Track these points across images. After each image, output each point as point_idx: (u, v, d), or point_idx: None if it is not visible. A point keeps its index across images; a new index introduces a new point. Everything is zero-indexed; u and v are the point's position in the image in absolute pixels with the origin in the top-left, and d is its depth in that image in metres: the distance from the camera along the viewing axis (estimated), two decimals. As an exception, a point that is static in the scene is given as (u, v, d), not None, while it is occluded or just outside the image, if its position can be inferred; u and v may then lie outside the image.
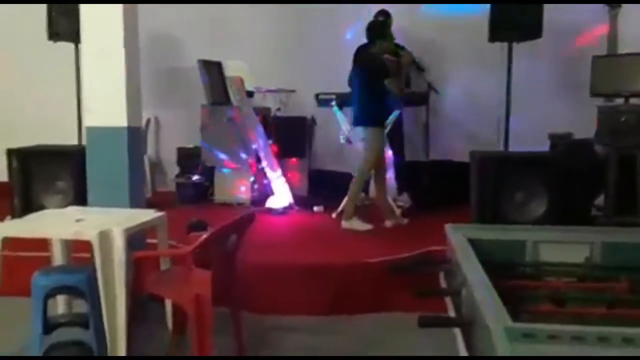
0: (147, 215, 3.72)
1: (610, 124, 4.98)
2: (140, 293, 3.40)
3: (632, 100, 5.06)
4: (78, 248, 3.66)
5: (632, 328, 2.06)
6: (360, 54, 5.74)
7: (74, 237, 3.35)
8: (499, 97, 5.72)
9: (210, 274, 3.12)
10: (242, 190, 6.58)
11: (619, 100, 5.16)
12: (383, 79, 5.41)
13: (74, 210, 3.89)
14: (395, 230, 5.48)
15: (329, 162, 7.09)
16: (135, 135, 4.37)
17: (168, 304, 3.69)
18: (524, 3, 5.35)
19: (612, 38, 6.70)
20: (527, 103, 6.22)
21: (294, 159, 6.92)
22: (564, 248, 3.03)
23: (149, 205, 4.48)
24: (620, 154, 5.01)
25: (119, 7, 4.30)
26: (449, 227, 3.29)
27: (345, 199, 5.61)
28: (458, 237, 3.05)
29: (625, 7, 6.50)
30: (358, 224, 5.44)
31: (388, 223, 5.55)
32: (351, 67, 5.77)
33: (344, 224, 5.47)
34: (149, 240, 4.04)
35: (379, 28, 5.62)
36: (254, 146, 6.42)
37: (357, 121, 5.58)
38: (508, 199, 4.92)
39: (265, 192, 6.50)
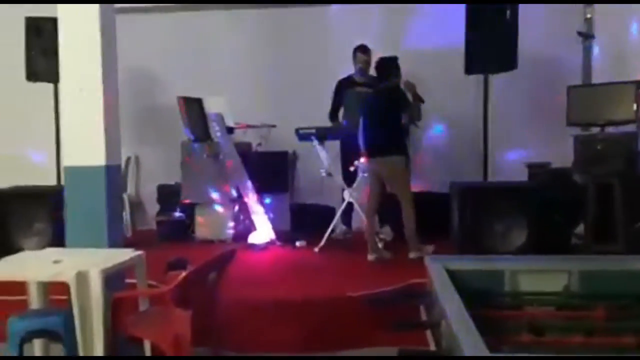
0: (126, 254, 3.68)
1: (586, 152, 5.05)
2: (118, 334, 3.35)
3: (608, 129, 5.13)
4: (55, 290, 3.60)
5: (610, 356, 2.07)
6: (381, 88, 5.78)
7: (51, 279, 3.32)
8: (477, 129, 5.79)
9: (190, 314, 3.08)
10: (223, 227, 6.54)
11: (595, 129, 5.23)
12: (405, 111, 5.62)
13: (51, 252, 3.85)
14: (376, 264, 5.46)
15: (311, 196, 7.09)
16: (113, 174, 4.36)
17: (147, 345, 3.63)
18: (497, 31, 5.44)
19: (586, 68, 6.84)
20: (505, 134, 6.30)
21: (275, 194, 6.91)
22: (542, 277, 3.03)
23: (129, 244, 4.45)
24: (597, 182, 5.06)
25: (97, 46, 4.34)
26: (428, 259, 3.29)
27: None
28: (437, 269, 3.04)
29: (598, 38, 6.65)
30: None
31: (371, 257, 5.53)
32: (365, 102, 5.82)
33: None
34: (128, 280, 4.00)
35: (392, 65, 5.69)
36: (235, 182, 6.41)
37: (384, 152, 5.57)
38: (488, 229, 4.95)
39: (247, 228, 6.47)
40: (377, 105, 5.68)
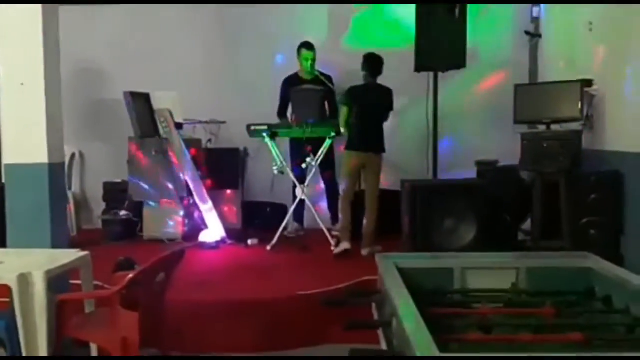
0: (70, 255, 3.58)
1: (533, 150, 5.14)
2: (63, 338, 3.26)
3: (554, 127, 5.24)
4: (-4, 293, 3.47)
5: (558, 353, 2.10)
6: (375, 88, 5.75)
7: (-10, 281, 3.19)
8: (427, 127, 5.84)
9: (138, 316, 3.02)
10: (173, 225, 6.42)
11: (542, 127, 5.34)
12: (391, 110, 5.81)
13: (-9, 253, 3.71)
14: (329, 261, 5.46)
15: (263, 194, 7.03)
16: (56, 172, 4.23)
17: (94, 348, 3.54)
18: (447, 30, 5.51)
19: (533, 67, 6.97)
20: (454, 132, 6.37)
21: (226, 191, 6.84)
22: (491, 274, 3.07)
23: (74, 244, 4.34)
24: (544, 179, 5.16)
25: (39, 40, 4.19)
26: (379, 257, 3.29)
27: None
28: (388, 267, 3.05)
29: (544, 38, 6.78)
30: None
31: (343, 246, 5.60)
32: (363, 97, 5.77)
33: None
34: (73, 281, 3.88)
35: (382, 63, 5.71)
36: (184, 179, 6.31)
37: (375, 148, 5.73)
38: (438, 226, 4.99)
39: (197, 226, 6.37)
40: (371, 101, 5.70)
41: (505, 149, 5.88)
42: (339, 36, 7.14)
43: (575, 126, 5.24)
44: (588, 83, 5.23)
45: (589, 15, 5.56)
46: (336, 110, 6.33)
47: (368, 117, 5.71)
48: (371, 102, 5.73)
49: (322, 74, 6.37)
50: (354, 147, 5.74)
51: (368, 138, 5.71)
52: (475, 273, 3.08)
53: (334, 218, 6.31)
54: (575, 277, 3.00)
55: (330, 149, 6.20)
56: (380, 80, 5.71)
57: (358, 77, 5.74)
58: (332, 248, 5.64)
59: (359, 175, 5.85)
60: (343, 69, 6.76)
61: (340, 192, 5.83)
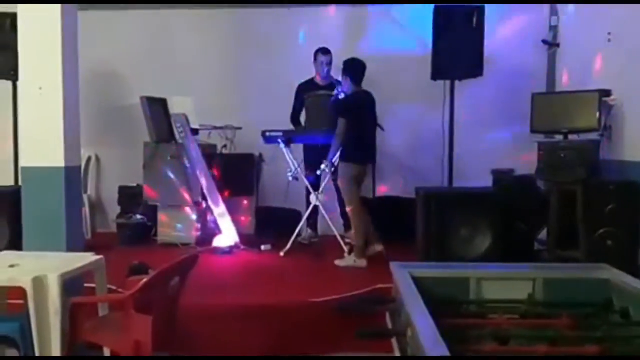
0: (85, 259, 3.59)
1: (550, 160, 5.10)
2: (77, 341, 3.27)
3: (571, 137, 5.19)
4: (12, 295, 3.49)
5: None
6: (366, 96, 5.73)
7: (6, 284, 3.22)
8: (444, 135, 5.81)
9: (151, 320, 3.01)
10: (187, 230, 6.43)
11: (559, 137, 5.29)
12: None
13: (8, 255, 3.75)
14: (343, 268, 5.44)
15: (277, 200, 7.03)
16: (73, 176, 4.26)
17: (107, 352, 3.54)
18: (464, 38, 5.48)
19: (551, 76, 6.93)
20: (470, 140, 6.33)
21: (241, 197, 6.84)
22: (507, 285, 3.03)
23: (88, 247, 4.35)
24: (561, 189, 5.11)
25: (58, 45, 4.23)
26: (394, 266, 3.27)
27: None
28: (403, 276, 3.03)
29: (563, 47, 6.74)
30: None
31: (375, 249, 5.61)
32: (360, 107, 5.72)
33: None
34: (87, 285, 3.90)
35: (365, 69, 5.69)
36: (198, 184, 6.32)
37: (373, 159, 5.79)
38: (453, 235, 4.95)
39: (211, 231, 6.38)
40: (367, 110, 5.68)
41: (522, 158, 5.84)
42: (356, 41, 7.13)
43: (593, 136, 5.19)
44: (606, 93, 5.18)
45: (607, 25, 5.52)
46: None
47: (366, 127, 5.67)
48: (367, 111, 5.69)
49: (338, 81, 6.35)
50: (356, 159, 5.58)
51: (368, 149, 5.67)
52: (491, 283, 3.05)
53: (347, 225, 6.30)
54: (593, 289, 2.96)
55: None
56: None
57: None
58: (345, 255, 5.61)
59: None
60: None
61: (348, 207, 5.66)
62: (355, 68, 5.66)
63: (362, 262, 5.47)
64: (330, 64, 6.39)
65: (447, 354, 1.96)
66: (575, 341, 2.45)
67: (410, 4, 6.83)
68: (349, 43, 7.06)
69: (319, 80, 6.51)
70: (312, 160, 6.23)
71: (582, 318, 2.70)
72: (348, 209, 5.66)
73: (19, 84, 4.50)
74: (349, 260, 5.51)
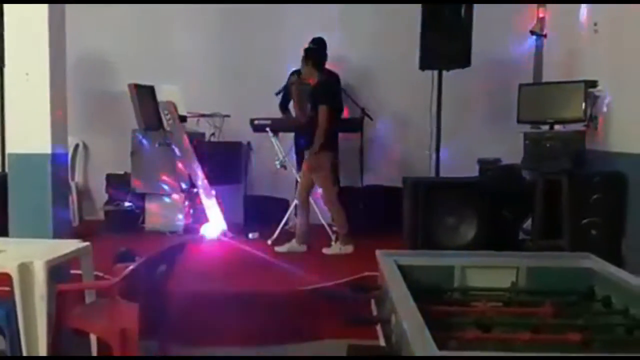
0: (71, 245, 3.59)
1: (536, 150, 5.14)
2: (63, 328, 3.27)
3: (557, 127, 5.23)
4: (-2, 281, 3.48)
5: (556, 353, 2.10)
6: (335, 82, 5.73)
7: (-8, 270, 3.20)
8: (430, 124, 5.83)
9: (137, 307, 3.02)
10: (174, 218, 6.43)
11: (544, 127, 5.33)
12: None
13: (-7, 242, 3.72)
14: (329, 256, 5.47)
15: (265, 188, 7.05)
16: (59, 162, 4.24)
17: (93, 339, 3.55)
18: (452, 28, 5.50)
19: (537, 67, 6.96)
20: (457, 130, 6.36)
21: (229, 185, 6.83)
22: (491, 273, 3.06)
23: (75, 234, 4.35)
24: (546, 179, 5.16)
25: (45, 30, 4.20)
26: (379, 253, 3.29)
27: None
28: (388, 264, 3.05)
29: (550, 38, 6.77)
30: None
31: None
32: (336, 93, 5.82)
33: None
34: (74, 271, 3.89)
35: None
36: (186, 172, 6.31)
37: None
38: (439, 224, 4.99)
39: (199, 219, 6.38)
40: (339, 96, 5.67)
41: (508, 147, 5.88)
42: (345, 30, 7.11)
43: (578, 126, 5.23)
44: (592, 84, 5.21)
45: (594, 16, 5.55)
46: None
47: (337, 113, 5.69)
48: (339, 98, 5.69)
49: (330, 71, 6.32)
50: (330, 147, 5.59)
51: (337, 135, 5.71)
52: (476, 271, 3.07)
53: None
54: (575, 277, 2.99)
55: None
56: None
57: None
58: (332, 243, 5.65)
59: None
60: (353, 64, 6.76)
61: (328, 197, 5.64)
62: (315, 53, 5.64)
63: (349, 248, 5.51)
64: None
65: (430, 340, 1.99)
66: (557, 329, 2.47)
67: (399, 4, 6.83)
68: (338, 31, 7.04)
69: None
70: (303, 146, 6.23)
71: (564, 306, 2.74)
72: (327, 199, 5.64)
73: (5, 70, 4.46)
74: (335, 248, 5.55)
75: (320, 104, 5.46)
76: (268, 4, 7.09)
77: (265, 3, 7.02)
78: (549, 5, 6.78)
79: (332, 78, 6.07)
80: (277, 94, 6.33)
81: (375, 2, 7.00)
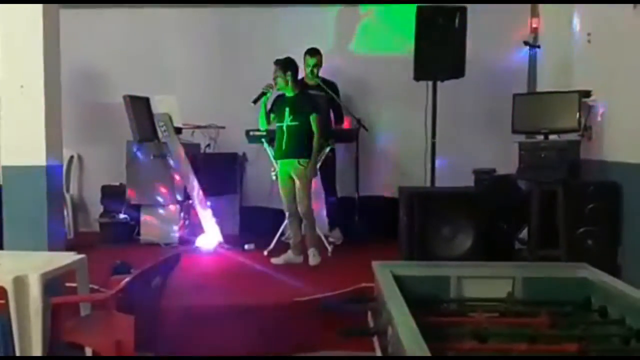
0: (67, 258, 3.57)
1: (531, 159, 5.15)
2: (58, 341, 3.25)
3: (551, 137, 5.25)
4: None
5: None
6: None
7: (-14, 283, 3.18)
8: (426, 134, 5.84)
9: (133, 320, 3.01)
10: (170, 230, 6.41)
11: (539, 137, 5.34)
12: None
13: (-13, 255, 3.71)
14: (326, 267, 5.45)
15: (260, 199, 7.03)
16: (54, 175, 4.24)
17: (89, 352, 3.53)
18: (446, 39, 5.53)
19: (531, 77, 6.99)
20: (452, 140, 6.37)
21: (224, 197, 6.82)
22: (487, 283, 3.07)
23: (70, 247, 4.33)
24: (541, 188, 5.17)
25: (40, 43, 4.21)
26: (376, 265, 3.29)
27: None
28: (384, 275, 3.05)
29: (543, 48, 6.81)
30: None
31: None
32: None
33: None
34: (69, 284, 3.87)
35: None
36: (182, 183, 6.30)
37: None
38: (435, 234, 4.98)
39: (194, 230, 6.36)
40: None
41: (503, 157, 5.90)
42: (340, 42, 7.14)
43: (573, 136, 5.25)
44: (586, 93, 5.24)
45: (587, 26, 5.58)
46: (341, 117, 6.39)
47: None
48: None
49: (324, 81, 6.33)
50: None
51: None
52: (472, 282, 3.08)
53: (332, 224, 6.33)
54: (572, 288, 3.00)
55: (332, 156, 6.22)
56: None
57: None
58: (329, 254, 5.64)
59: None
60: (349, 75, 6.78)
61: (309, 206, 5.57)
62: (292, 65, 5.60)
63: (298, 258, 5.53)
64: (315, 65, 6.36)
65: (427, 352, 1.98)
66: (554, 339, 2.48)
67: (393, 4, 6.86)
68: (334, 44, 7.07)
69: (307, 80, 6.50)
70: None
71: (561, 316, 2.74)
72: (305, 207, 5.53)
73: (0, 82, 4.45)
74: (283, 258, 5.55)
75: (314, 113, 5.46)
76: (263, 15, 7.11)
77: (260, 6, 7.02)
78: (542, 16, 6.82)
79: (331, 87, 6.11)
80: (254, 102, 6.18)
81: (374, 2, 7.03)
